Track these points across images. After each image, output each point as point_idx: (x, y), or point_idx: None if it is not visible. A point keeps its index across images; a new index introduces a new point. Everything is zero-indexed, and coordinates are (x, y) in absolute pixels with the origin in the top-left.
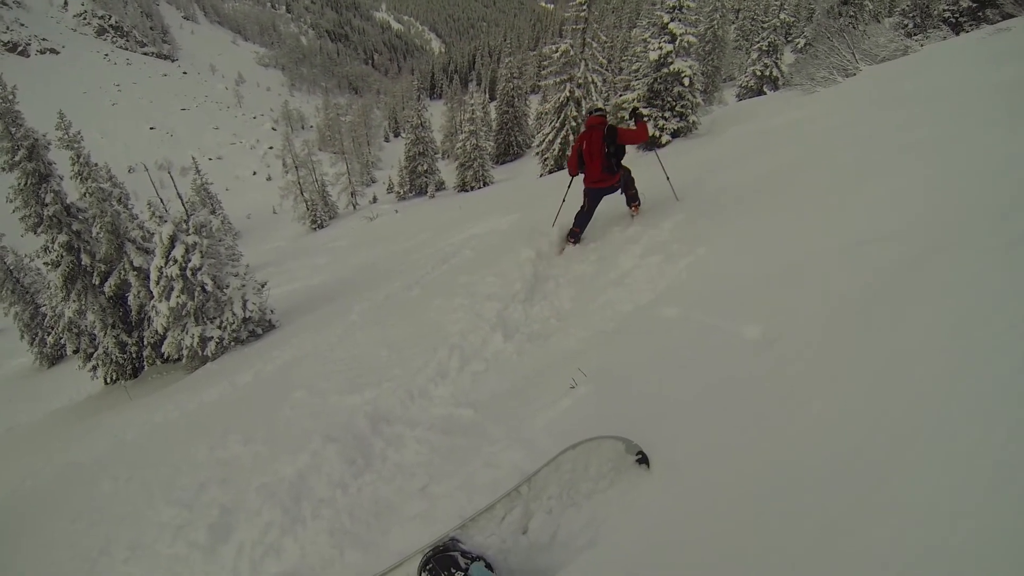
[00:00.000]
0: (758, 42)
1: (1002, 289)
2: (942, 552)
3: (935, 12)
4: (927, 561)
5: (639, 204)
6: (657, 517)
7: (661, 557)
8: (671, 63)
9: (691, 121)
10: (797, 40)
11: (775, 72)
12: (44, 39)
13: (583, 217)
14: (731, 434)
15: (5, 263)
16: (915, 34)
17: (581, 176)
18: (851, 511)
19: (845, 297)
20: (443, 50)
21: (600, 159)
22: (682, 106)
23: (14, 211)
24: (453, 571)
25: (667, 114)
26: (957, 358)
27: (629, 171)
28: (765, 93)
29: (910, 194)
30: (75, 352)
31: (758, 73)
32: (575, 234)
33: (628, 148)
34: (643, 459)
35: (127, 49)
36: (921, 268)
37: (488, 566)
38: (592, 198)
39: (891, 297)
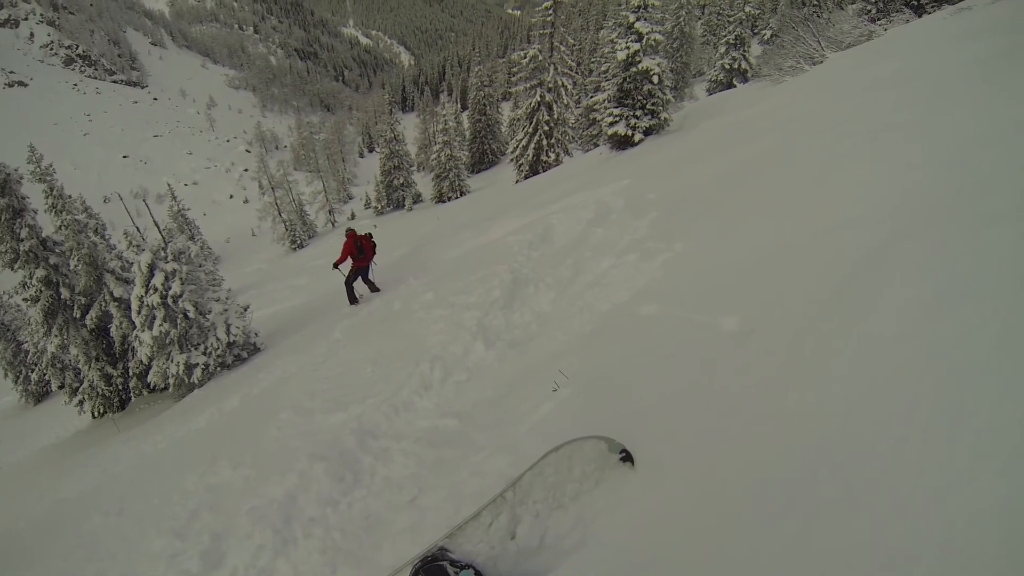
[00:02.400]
0: (725, 36)
1: (973, 270)
2: (923, 539)
3: None
4: (907, 550)
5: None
6: (644, 515)
7: (650, 555)
8: (639, 62)
9: (663, 118)
10: (763, 32)
11: (743, 64)
12: (12, 72)
13: (352, 283)
14: (712, 429)
15: None
16: (879, 19)
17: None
18: (830, 503)
19: (818, 285)
20: (412, 62)
21: (372, 252)
22: (653, 104)
23: None
24: None
25: (638, 112)
26: (930, 341)
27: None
28: (735, 86)
29: (881, 178)
30: (60, 387)
31: (727, 67)
32: (352, 299)
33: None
34: (627, 457)
35: (96, 78)
36: (892, 253)
37: (478, 573)
38: (362, 272)
39: (864, 283)
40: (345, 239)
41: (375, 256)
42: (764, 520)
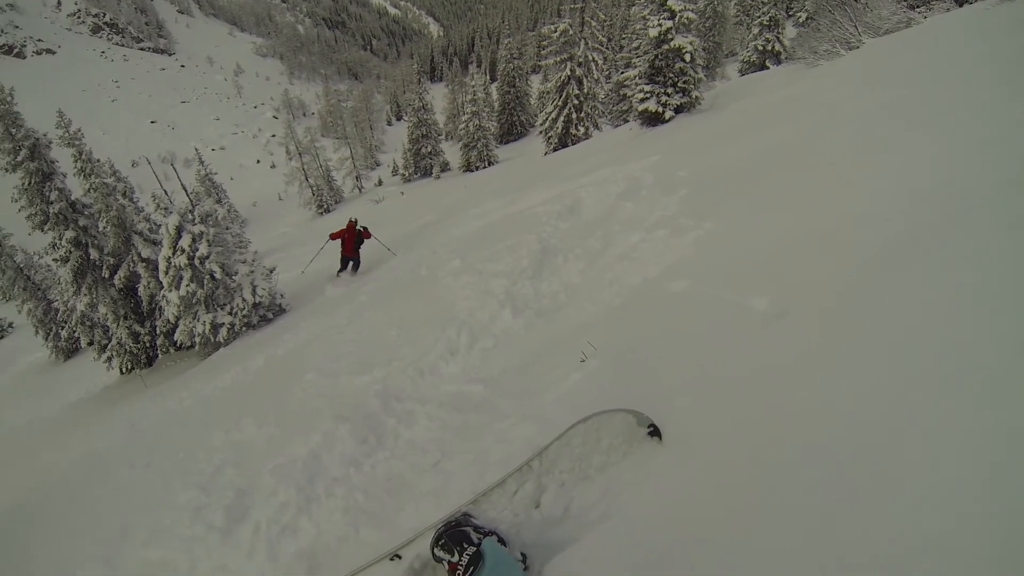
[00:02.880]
0: (759, 17)
1: (1005, 270)
2: (947, 540)
3: None
4: (930, 548)
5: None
6: (670, 492)
7: (675, 532)
8: (671, 39)
9: (694, 97)
10: (799, 14)
11: (777, 46)
12: (40, 40)
13: (344, 265)
14: (740, 410)
15: (15, 261)
16: (918, 6)
17: (339, 241)
18: (855, 496)
19: (848, 272)
20: (441, 33)
21: (352, 243)
22: (684, 82)
23: (20, 210)
24: (465, 546)
25: (669, 90)
26: (958, 339)
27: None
28: (768, 68)
29: (914, 171)
30: (89, 344)
31: (760, 48)
32: (341, 271)
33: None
34: (655, 432)
35: (123, 46)
36: (926, 245)
37: (501, 540)
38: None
39: (896, 274)
40: (346, 225)
41: (359, 246)
42: (789, 506)
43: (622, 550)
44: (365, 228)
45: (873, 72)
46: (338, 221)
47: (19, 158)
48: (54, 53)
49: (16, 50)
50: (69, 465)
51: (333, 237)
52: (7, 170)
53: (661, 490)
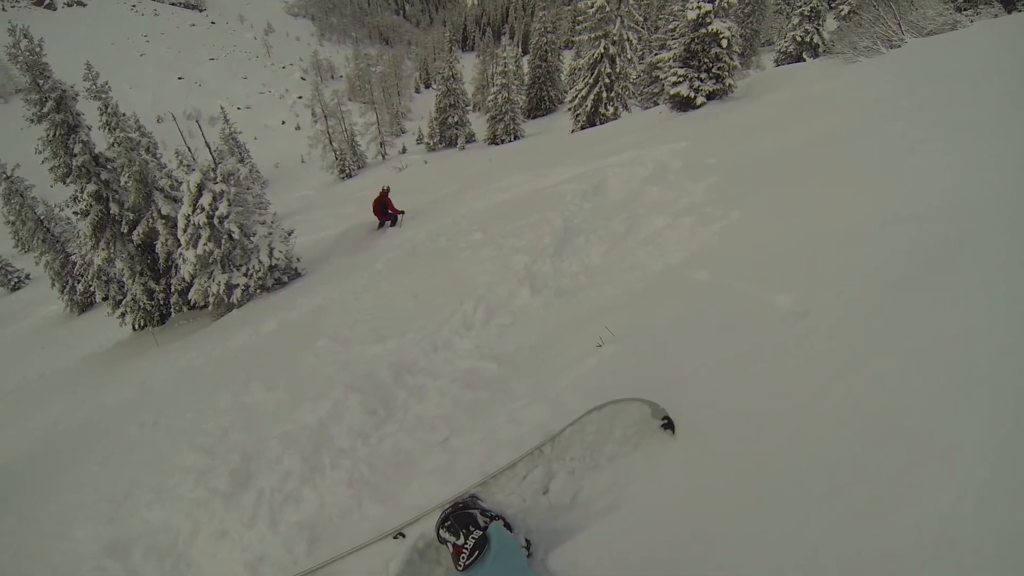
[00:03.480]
0: (800, 6)
1: None
2: (965, 546)
3: None
4: (947, 555)
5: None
6: (681, 486)
7: (683, 527)
8: (709, 23)
9: (727, 84)
10: (841, 7)
11: (816, 39)
12: None
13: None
14: (757, 406)
15: (36, 213)
16: (965, 9)
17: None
18: (871, 499)
19: (880, 274)
20: (476, 2)
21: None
22: (719, 68)
23: (43, 162)
24: (472, 529)
25: (703, 75)
26: (994, 348)
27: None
28: (804, 60)
29: (949, 175)
30: (104, 299)
31: (798, 39)
32: (381, 223)
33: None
34: (669, 424)
35: (154, 0)
36: (961, 251)
37: (507, 525)
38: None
39: (927, 278)
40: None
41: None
42: (801, 507)
43: (628, 542)
44: (390, 200)
45: (914, 73)
46: (361, 186)
47: (45, 109)
48: (85, 5)
49: (47, 2)
50: (81, 418)
51: (376, 203)
52: (33, 121)
53: (671, 484)
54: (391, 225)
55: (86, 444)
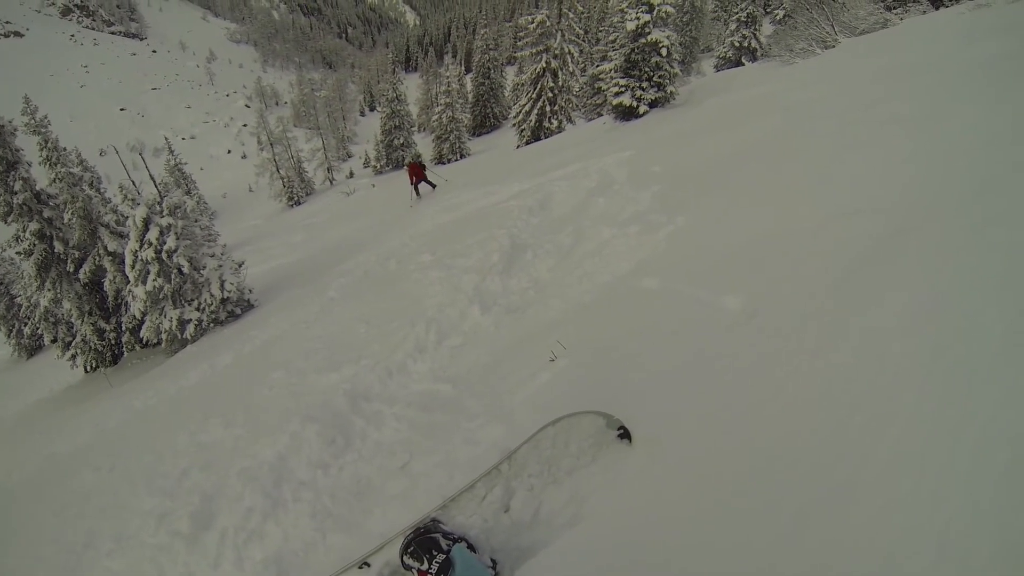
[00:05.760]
0: (736, 13)
1: (977, 269)
2: (920, 537)
3: None
4: (905, 547)
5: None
6: (640, 495)
7: (644, 536)
8: (648, 33)
9: (669, 91)
10: (776, 11)
11: (753, 43)
12: (7, 22)
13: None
14: (711, 411)
15: None
16: (895, 7)
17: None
18: (828, 496)
19: (822, 272)
20: (418, 22)
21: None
22: (660, 76)
23: None
24: (435, 553)
25: (644, 84)
26: (934, 337)
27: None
28: (743, 64)
29: (885, 170)
30: (53, 341)
31: (736, 44)
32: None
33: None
34: (625, 434)
35: (94, 29)
36: (898, 245)
37: (470, 547)
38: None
39: (868, 273)
40: (408, 167)
41: (424, 174)
42: (760, 508)
43: (591, 555)
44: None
45: (849, 71)
46: (310, 212)
47: None
48: (22, 36)
49: None
50: (33, 467)
51: (410, 171)
52: None
53: (631, 493)
54: (416, 194)
55: (41, 494)
